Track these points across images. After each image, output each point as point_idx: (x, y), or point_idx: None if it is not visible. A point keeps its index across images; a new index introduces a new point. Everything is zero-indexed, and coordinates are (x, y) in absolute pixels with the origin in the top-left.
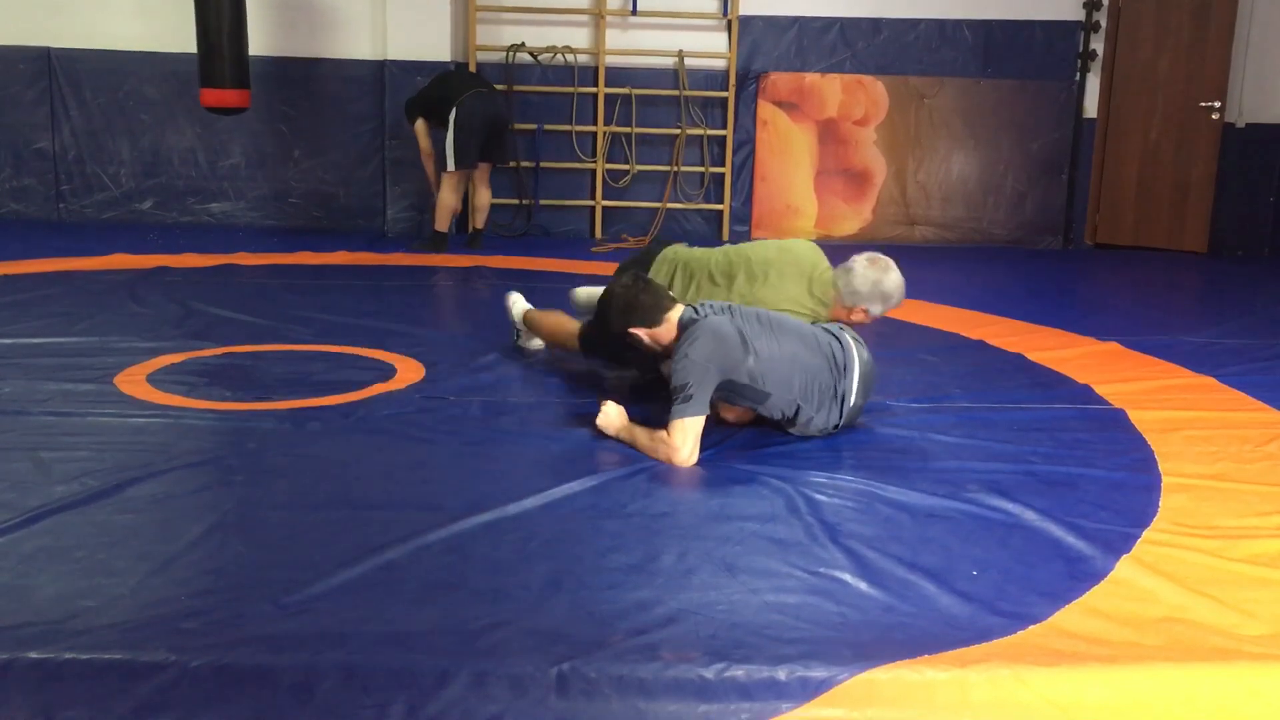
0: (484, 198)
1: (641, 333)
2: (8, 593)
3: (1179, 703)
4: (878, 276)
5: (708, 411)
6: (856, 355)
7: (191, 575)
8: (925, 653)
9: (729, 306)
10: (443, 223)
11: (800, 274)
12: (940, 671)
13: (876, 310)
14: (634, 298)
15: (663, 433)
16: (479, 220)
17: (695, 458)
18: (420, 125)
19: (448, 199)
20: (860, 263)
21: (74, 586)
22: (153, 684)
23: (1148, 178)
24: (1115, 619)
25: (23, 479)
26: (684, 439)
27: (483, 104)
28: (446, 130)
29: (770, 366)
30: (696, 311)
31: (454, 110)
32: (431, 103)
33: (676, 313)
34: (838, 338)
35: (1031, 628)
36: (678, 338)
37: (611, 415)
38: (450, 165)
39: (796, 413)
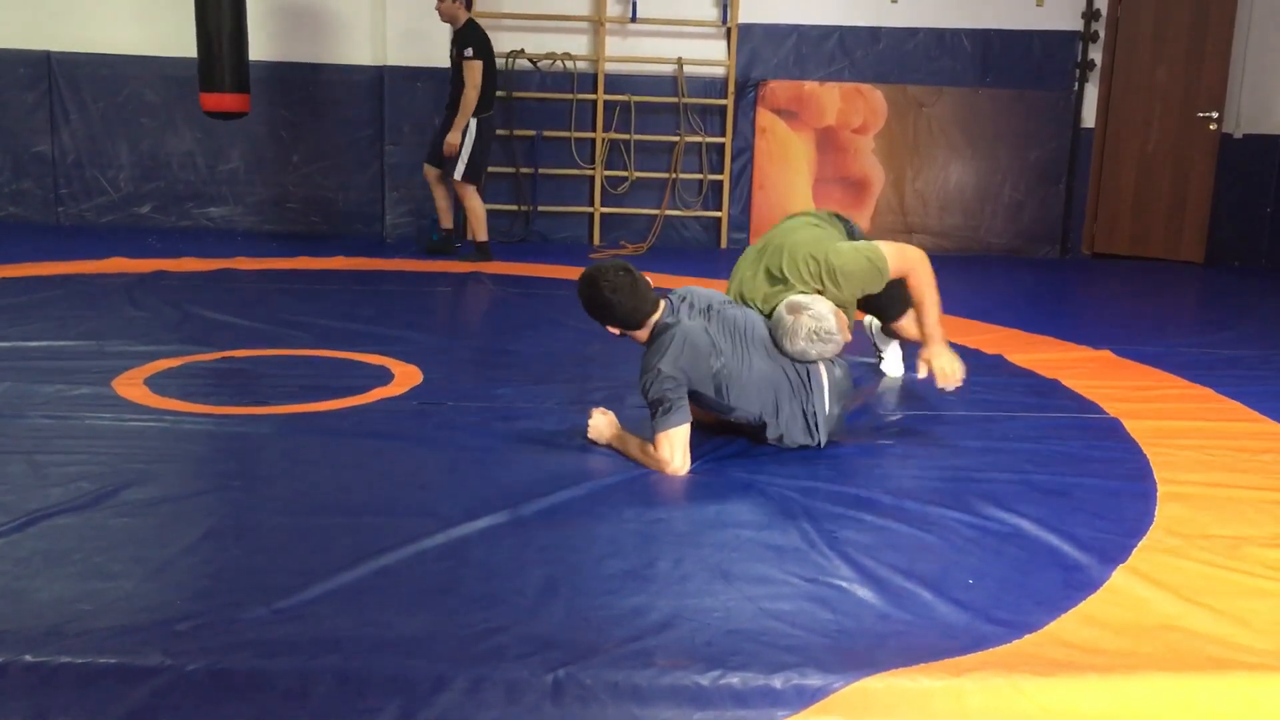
0: (446, 200)
1: (616, 331)
2: (3, 596)
3: (1175, 712)
4: (786, 342)
5: (690, 418)
6: (825, 374)
7: (187, 579)
8: (921, 661)
9: (709, 307)
10: (483, 231)
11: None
12: (936, 680)
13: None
14: (618, 299)
15: (651, 445)
16: (446, 221)
17: (687, 466)
18: (480, 68)
19: (478, 207)
20: (783, 314)
21: (69, 590)
22: (148, 688)
23: (1145, 188)
24: (1111, 628)
25: (19, 482)
26: (672, 450)
27: (496, 124)
28: (467, 130)
29: (735, 381)
30: (674, 311)
31: (478, 122)
32: (485, 73)
33: (655, 317)
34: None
35: (1027, 636)
36: (649, 341)
37: (601, 425)
38: (460, 175)
39: (764, 428)
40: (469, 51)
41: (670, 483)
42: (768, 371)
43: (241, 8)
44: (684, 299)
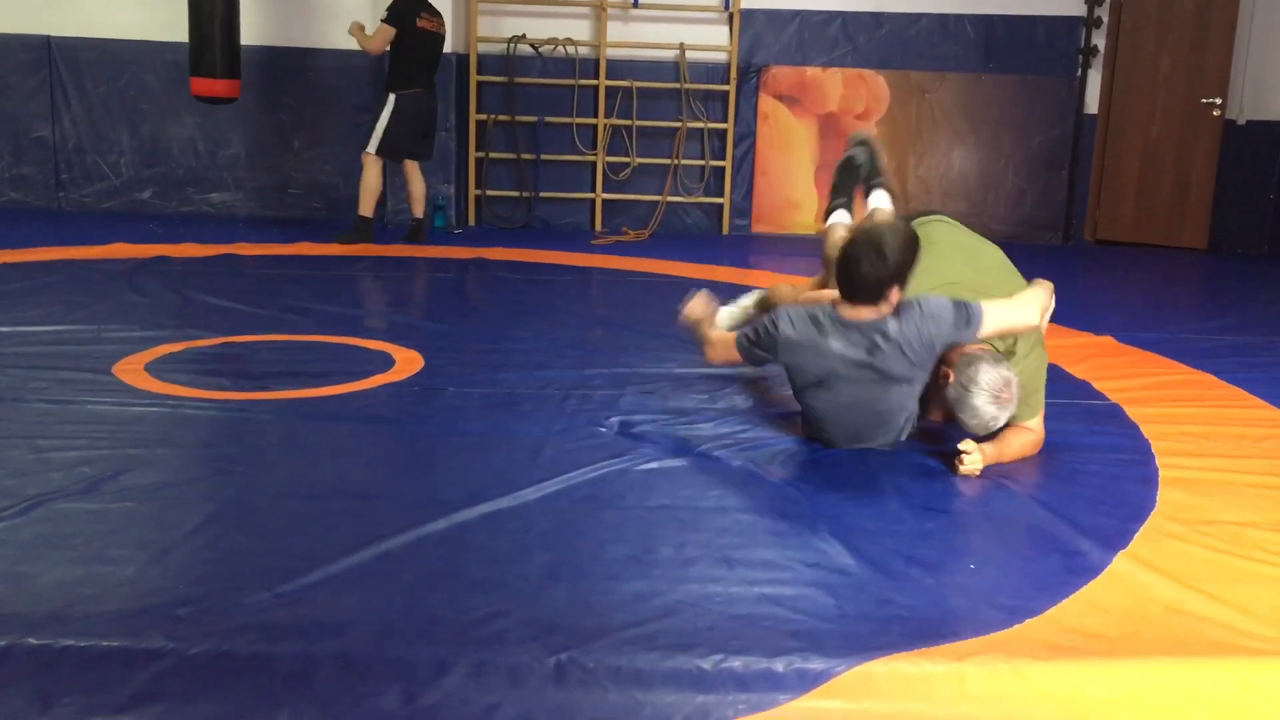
0: (419, 188)
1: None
2: (6, 580)
3: (1177, 697)
4: (958, 399)
5: (744, 356)
6: (900, 436)
7: (189, 564)
8: (923, 645)
9: (869, 351)
10: (368, 207)
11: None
12: (938, 664)
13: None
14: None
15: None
16: (417, 210)
17: (717, 358)
18: (389, 32)
19: (373, 182)
20: (982, 373)
21: (72, 574)
22: (150, 671)
23: (1148, 174)
24: (1113, 613)
25: (20, 467)
26: (723, 340)
27: (425, 104)
28: (384, 105)
29: (805, 400)
30: (897, 316)
31: (396, 97)
32: (403, 48)
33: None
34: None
35: (1029, 621)
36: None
37: (699, 306)
38: (373, 149)
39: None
40: (383, 14)
41: (673, 468)
42: (844, 416)
43: None
44: (909, 313)
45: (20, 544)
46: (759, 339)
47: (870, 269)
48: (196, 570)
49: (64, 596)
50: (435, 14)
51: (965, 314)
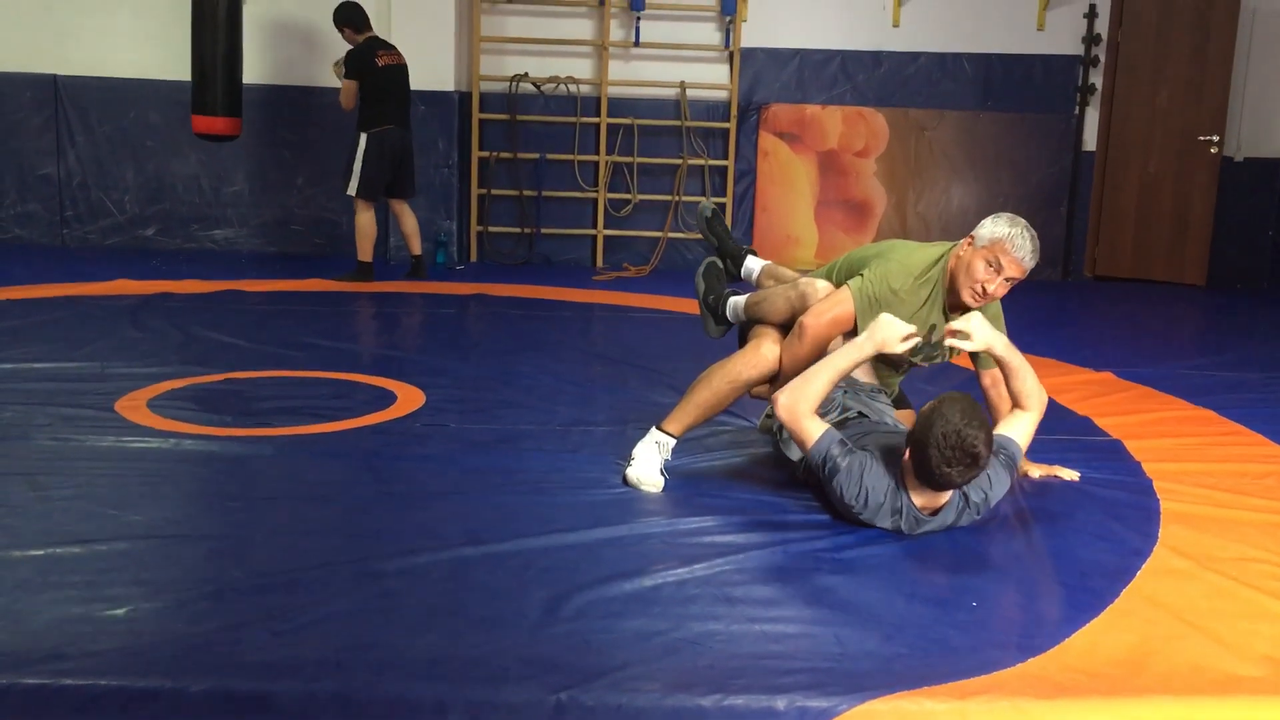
0: (410, 224)
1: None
2: (4, 618)
3: None
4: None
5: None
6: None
7: (188, 601)
8: (925, 684)
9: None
10: (366, 252)
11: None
12: (939, 703)
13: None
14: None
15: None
16: (414, 247)
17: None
18: (353, 86)
19: (366, 227)
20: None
21: (71, 612)
22: (148, 711)
23: (1147, 211)
24: (1114, 650)
25: (21, 504)
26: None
27: (399, 141)
28: (357, 145)
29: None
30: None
31: (366, 136)
32: (367, 89)
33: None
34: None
35: (1031, 659)
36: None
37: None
38: (353, 191)
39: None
40: (341, 70)
41: (673, 505)
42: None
43: (236, 32)
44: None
45: (19, 581)
46: (828, 462)
47: (959, 477)
48: (195, 608)
49: (62, 635)
50: (391, 48)
51: (1011, 462)
